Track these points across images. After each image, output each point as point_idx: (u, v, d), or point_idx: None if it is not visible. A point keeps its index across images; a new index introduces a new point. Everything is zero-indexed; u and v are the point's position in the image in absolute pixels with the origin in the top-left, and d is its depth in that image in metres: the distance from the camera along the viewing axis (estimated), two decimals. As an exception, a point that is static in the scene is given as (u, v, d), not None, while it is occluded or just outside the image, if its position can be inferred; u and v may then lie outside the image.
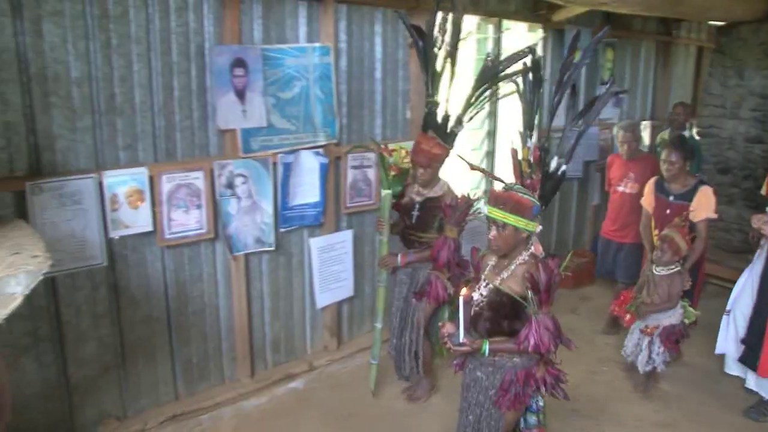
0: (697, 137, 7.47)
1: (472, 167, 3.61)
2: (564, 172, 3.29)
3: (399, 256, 4.19)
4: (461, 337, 2.84)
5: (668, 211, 4.84)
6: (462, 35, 4.11)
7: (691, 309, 4.55)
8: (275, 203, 4.37)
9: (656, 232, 4.88)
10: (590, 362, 5.10)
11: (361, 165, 4.87)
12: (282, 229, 4.49)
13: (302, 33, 4.38)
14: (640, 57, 7.90)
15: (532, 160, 3.26)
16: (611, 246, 5.79)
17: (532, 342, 2.77)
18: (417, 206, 4.13)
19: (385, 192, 4.17)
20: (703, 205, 4.72)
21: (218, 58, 3.90)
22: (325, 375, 4.83)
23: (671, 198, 4.87)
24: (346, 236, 4.94)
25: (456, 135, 4.19)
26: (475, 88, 4.17)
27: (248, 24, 4.09)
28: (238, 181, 4.10)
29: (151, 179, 3.75)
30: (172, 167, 3.84)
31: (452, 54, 4.08)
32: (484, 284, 3.02)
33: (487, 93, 4.18)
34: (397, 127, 5.25)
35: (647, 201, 5.12)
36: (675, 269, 4.46)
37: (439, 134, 4.08)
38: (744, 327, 4.46)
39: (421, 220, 4.13)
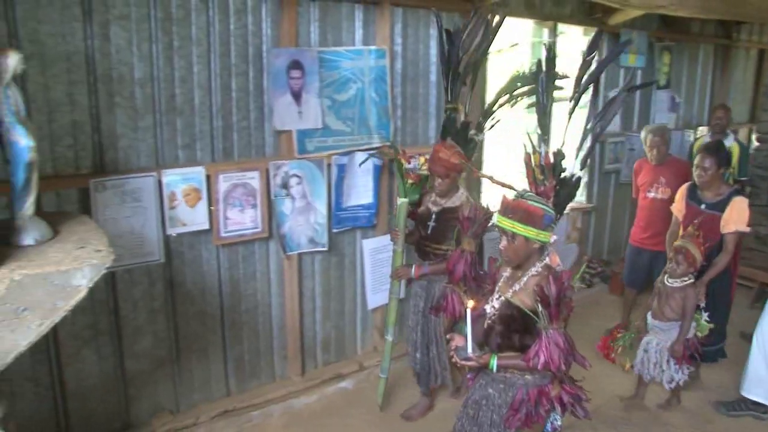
0: (743, 142, 7.15)
1: (486, 177, 3.44)
2: (579, 178, 3.16)
3: (413, 267, 4.07)
4: (469, 351, 2.74)
5: (698, 220, 4.52)
6: (493, 41, 4.06)
7: (704, 322, 4.33)
8: (329, 204, 4.41)
9: None
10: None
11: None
12: (335, 230, 4.52)
13: (358, 36, 4.41)
14: (698, 61, 7.72)
15: (544, 166, 3.14)
16: (643, 255, 5.54)
17: (541, 359, 2.61)
18: (433, 216, 3.99)
19: (402, 200, 4.04)
20: (735, 217, 4.45)
21: (275, 60, 3.95)
22: (375, 376, 4.82)
23: (703, 206, 4.59)
24: (399, 238, 4.92)
25: (476, 143, 4.10)
26: (500, 95, 4.15)
27: (305, 27, 4.15)
28: (293, 181, 4.15)
29: (208, 178, 3.83)
30: (228, 167, 3.91)
31: (478, 60, 4.01)
32: (496, 296, 2.90)
33: (510, 100, 4.18)
34: (438, 129, 5.23)
35: (678, 207, 4.87)
36: (688, 281, 4.25)
37: (459, 142, 4.00)
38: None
39: (438, 231, 3.99)
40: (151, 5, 3.49)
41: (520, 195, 2.74)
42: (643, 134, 5.59)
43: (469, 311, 2.70)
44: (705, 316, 4.36)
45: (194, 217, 3.81)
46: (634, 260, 5.64)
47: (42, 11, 3.15)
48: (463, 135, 4.07)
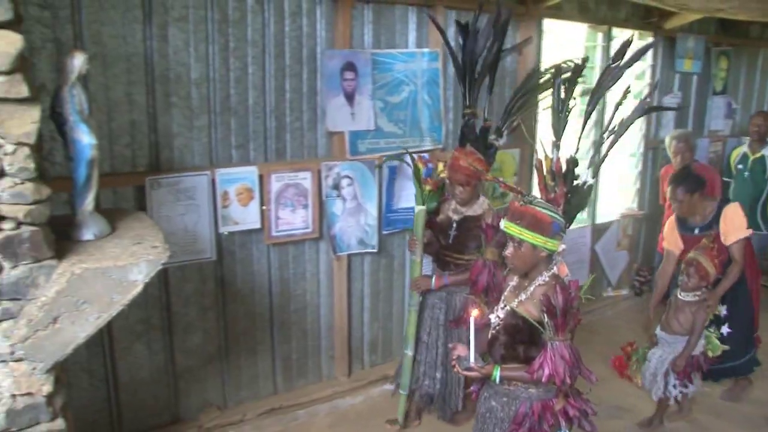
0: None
1: (496, 182, 3.38)
2: (590, 186, 3.05)
3: (433, 278, 3.93)
4: (472, 360, 2.64)
5: (705, 238, 4.24)
6: (504, 39, 3.90)
7: (716, 341, 4.13)
8: (379, 206, 4.42)
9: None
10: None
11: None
12: (385, 232, 4.53)
13: (411, 38, 4.41)
14: (757, 66, 7.51)
15: (555, 172, 3.01)
16: None
17: (546, 372, 2.49)
18: (454, 225, 3.84)
19: (419, 208, 3.85)
20: (731, 226, 4.23)
21: (329, 61, 3.98)
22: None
23: (696, 231, 4.34)
24: (448, 241, 4.90)
25: (496, 148, 3.97)
26: (517, 96, 4.02)
27: (359, 29, 4.16)
28: (344, 182, 4.16)
29: (261, 178, 3.87)
30: (281, 167, 3.94)
31: (493, 60, 3.86)
32: (501, 306, 2.78)
33: (530, 101, 4.07)
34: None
35: (671, 241, 4.51)
36: (701, 296, 4.04)
37: (478, 148, 3.86)
38: None
39: (459, 241, 3.84)
40: (208, 7, 3.55)
41: (529, 201, 2.62)
42: (667, 140, 5.44)
43: (472, 320, 2.62)
44: (725, 327, 4.20)
45: (246, 216, 3.86)
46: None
47: (105, 14, 3.23)
48: (482, 140, 3.93)
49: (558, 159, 2.99)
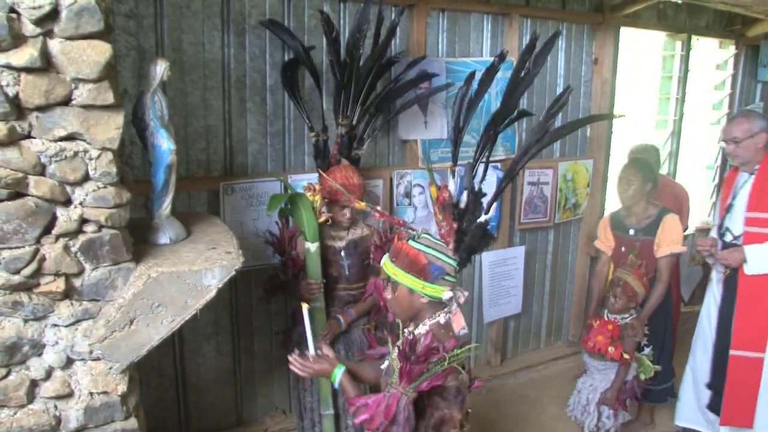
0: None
1: (369, 209, 2.76)
2: (481, 225, 2.35)
3: (339, 318, 3.34)
4: (311, 350, 2.43)
5: (623, 249, 4.03)
6: (388, 43, 3.42)
7: (649, 363, 3.86)
8: (450, 215, 4.35)
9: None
10: None
11: (538, 181, 4.75)
12: (454, 241, 4.45)
13: (486, 47, 4.37)
14: None
15: (445, 204, 2.40)
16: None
17: (363, 416, 2.10)
18: (343, 253, 3.35)
19: (313, 245, 3.17)
20: (667, 238, 3.91)
21: (420, 65, 3.93)
22: (487, 390, 4.76)
23: (631, 232, 4.05)
24: (519, 252, 4.87)
25: (360, 160, 3.54)
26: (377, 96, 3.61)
27: (434, 37, 4.15)
28: (416, 191, 4.14)
29: (332, 185, 3.87)
30: (352, 174, 3.94)
31: (372, 66, 3.40)
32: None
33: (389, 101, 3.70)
34: (576, 144, 5.11)
35: (603, 240, 4.24)
36: (630, 318, 3.80)
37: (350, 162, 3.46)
38: (707, 369, 3.89)
39: (356, 268, 3.38)
40: (285, 15, 3.59)
41: (412, 236, 2.25)
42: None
43: (305, 310, 2.43)
44: (648, 351, 3.93)
45: (317, 223, 3.87)
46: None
47: (186, 22, 3.31)
48: (348, 154, 3.49)
49: (445, 187, 2.40)
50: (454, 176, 2.50)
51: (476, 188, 2.40)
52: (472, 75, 2.75)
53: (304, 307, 2.47)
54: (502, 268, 4.74)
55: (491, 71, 2.62)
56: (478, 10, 4.30)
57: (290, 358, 2.44)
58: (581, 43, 4.95)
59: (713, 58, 6.32)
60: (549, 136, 2.45)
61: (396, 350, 2.14)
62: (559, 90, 4.83)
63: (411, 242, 2.20)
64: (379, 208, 2.72)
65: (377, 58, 3.37)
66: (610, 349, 3.70)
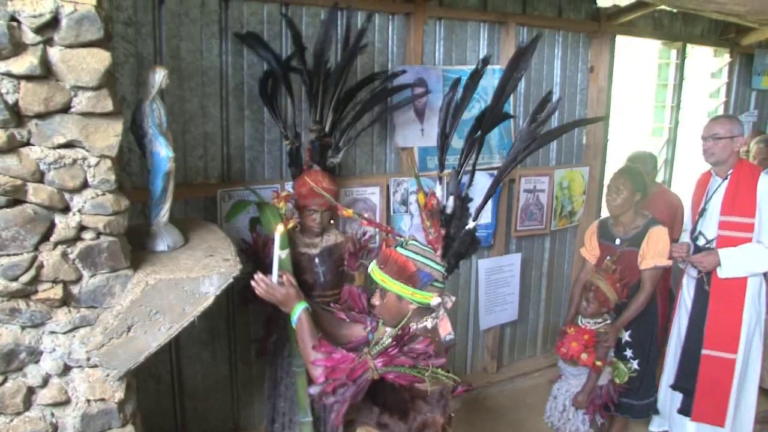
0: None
1: (354, 216, 2.74)
2: (469, 232, 2.37)
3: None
4: (274, 277, 2.38)
5: (609, 258, 3.93)
6: (357, 48, 3.38)
7: (624, 368, 3.82)
8: (446, 222, 4.37)
9: None
10: None
11: (534, 189, 4.77)
12: (450, 249, 4.46)
13: (483, 55, 4.36)
14: None
15: (432, 210, 2.41)
16: None
17: (328, 362, 2.12)
18: (317, 260, 3.34)
19: (284, 252, 3.07)
20: (652, 250, 3.81)
21: (400, 77, 3.97)
22: (483, 397, 4.77)
23: (618, 242, 3.95)
24: (515, 260, 4.88)
25: (336, 167, 3.52)
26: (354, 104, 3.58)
27: (431, 45, 4.17)
28: (413, 198, 4.15)
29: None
30: (350, 182, 3.97)
31: (340, 71, 3.36)
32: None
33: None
34: (572, 152, 5.13)
35: (589, 248, 4.16)
36: (603, 323, 3.75)
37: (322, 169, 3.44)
38: (673, 371, 3.93)
39: (332, 275, 3.37)
40: (282, 23, 3.60)
41: (400, 243, 2.25)
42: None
43: (277, 236, 2.36)
44: (635, 364, 3.88)
45: (313, 230, 3.87)
46: None
47: (185, 29, 3.33)
48: (323, 161, 3.45)
49: (432, 194, 2.42)
50: (441, 183, 2.50)
51: (463, 194, 2.43)
52: (457, 81, 2.75)
53: (278, 229, 2.39)
54: (498, 275, 4.75)
55: (475, 76, 2.61)
56: (475, 18, 4.33)
57: (255, 277, 2.40)
58: (577, 51, 4.98)
59: (708, 66, 6.37)
60: (536, 143, 2.46)
61: (389, 330, 2.17)
62: (555, 97, 4.85)
63: (399, 249, 2.22)
64: (366, 215, 2.73)
65: (345, 64, 3.37)
66: (583, 355, 3.67)
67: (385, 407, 2.20)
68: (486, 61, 2.64)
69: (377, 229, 3.80)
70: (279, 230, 2.42)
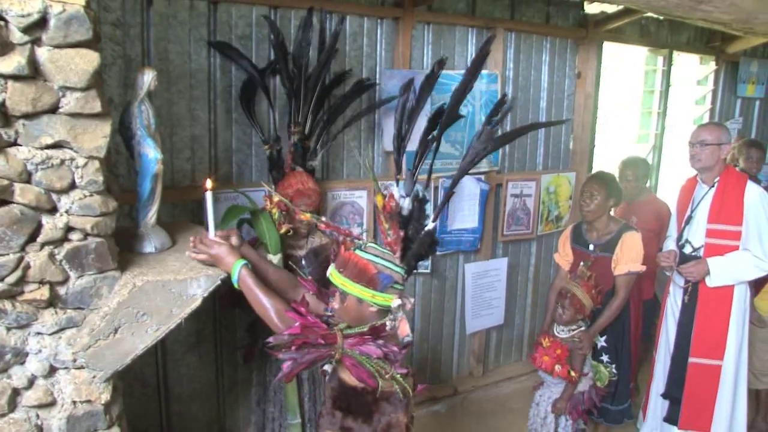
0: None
1: (315, 222, 2.78)
2: (429, 232, 2.32)
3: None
4: (210, 233, 2.31)
5: (582, 264, 3.91)
6: (333, 51, 3.38)
7: (604, 369, 3.84)
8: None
9: None
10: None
11: (521, 194, 4.80)
12: (438, 253, 4.50)
13: (471, 59, 4.39)
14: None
15: (389, 211, 2.38)
16: None
17: (302, 320, 2.13)
18: (304, 262, 3.31)
19: (275, 257, 3.13)
20: (625, 255, 3.81)
21: (388, 81, 4.00)
22: (468, 401, 4.78)
23: (591, 248, 3.95)
24: (501, 264, 4.89)
25: (314, 171, 3.51)
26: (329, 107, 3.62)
27: (419, 50, 4.19)
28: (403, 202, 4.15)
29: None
30: (337, 185, 3.97)
31: (318, 74, 3.37)
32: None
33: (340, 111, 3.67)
34: (559, 157, 5.16)
35: (562, 254, 4.17)
36: (578, 330, 3.72)
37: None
38: (662, 380, 3.94)
39: (316, 276, 3.21)
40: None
41: (359, 246, 2.23)
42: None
43: (209, 194, 2.26)
44: (613, 368, 3.91)
45: (300, 233, 3.87)
46: None
47: (173, 31, 3.32)
48: (302, 163, 3.45)
49: (391, 196, 2.39)
50: (398, 185, 2.45)
51: (420, 195, 2.42)
52: (410, 82, 2.76)
53: (208, 192, 2.27)
54: (484, 279, 4.76)
55: (431, 79, 2.62)
56: (463, 23, 4.35)
57: (190, 240, 2.31)
58: (564, 57, 5.02)
59: (694, 73, 6.44)
60: (493, 144, 2.46)
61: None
62: (542, 103, 4.89)
63: (359, 252, 2.20)
64: (324, 218, 2.74)
65: (321, 67, 3.37)
66: (557, 367, 3.65)
67: (349, 411, 2.20)
68: (441, 63, 2.63)
69: (365, 230, 3.84)
70: (209, 192, 2.27)
